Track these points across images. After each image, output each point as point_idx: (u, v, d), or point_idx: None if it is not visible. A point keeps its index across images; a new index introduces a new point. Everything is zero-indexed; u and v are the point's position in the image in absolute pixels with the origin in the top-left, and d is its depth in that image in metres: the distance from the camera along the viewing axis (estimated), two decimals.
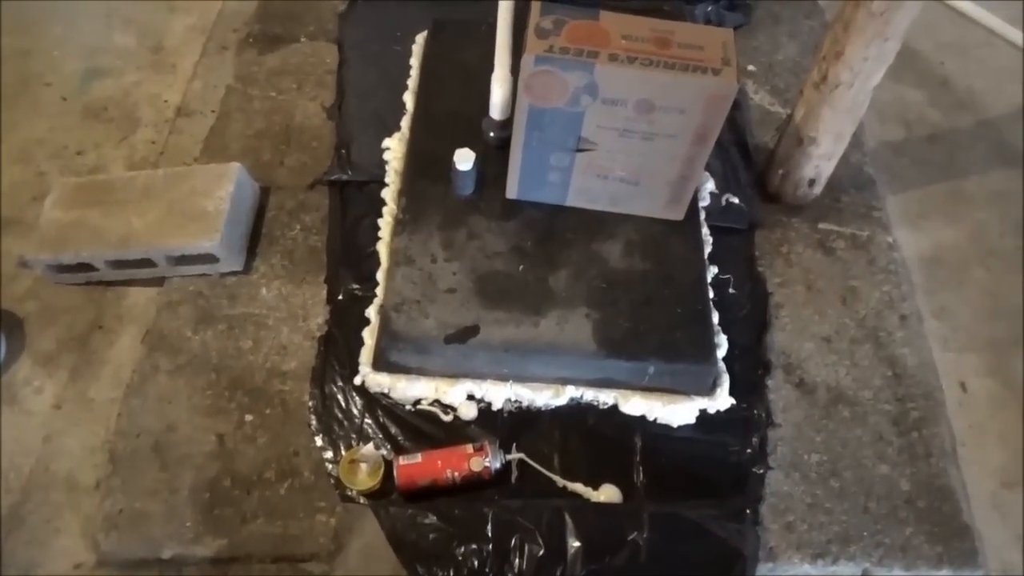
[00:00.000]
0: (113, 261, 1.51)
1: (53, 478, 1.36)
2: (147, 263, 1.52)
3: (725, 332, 1.51)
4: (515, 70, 1.44)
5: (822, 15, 2.16)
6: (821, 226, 1.70)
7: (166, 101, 1.89)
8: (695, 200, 1.55)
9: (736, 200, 1.69)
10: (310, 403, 1.41)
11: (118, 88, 1.92)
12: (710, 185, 1.70)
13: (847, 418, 1.45)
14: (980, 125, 2.01)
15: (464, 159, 1.47)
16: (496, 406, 1.41)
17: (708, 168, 1.62)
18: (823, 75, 1.47)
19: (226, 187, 1.53)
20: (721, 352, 1.48)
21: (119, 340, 1.51)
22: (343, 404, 1.41)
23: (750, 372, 1.49)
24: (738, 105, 1.86)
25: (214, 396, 1.41)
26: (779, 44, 2.07)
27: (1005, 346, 1.62)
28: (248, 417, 1.39)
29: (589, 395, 1.42)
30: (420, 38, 1.94)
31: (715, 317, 1.50)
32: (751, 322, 1.55)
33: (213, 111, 1.84)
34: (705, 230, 1.61)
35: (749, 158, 1.79)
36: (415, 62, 1.89)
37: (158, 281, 1.55)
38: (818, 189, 1.69)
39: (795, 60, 2.02)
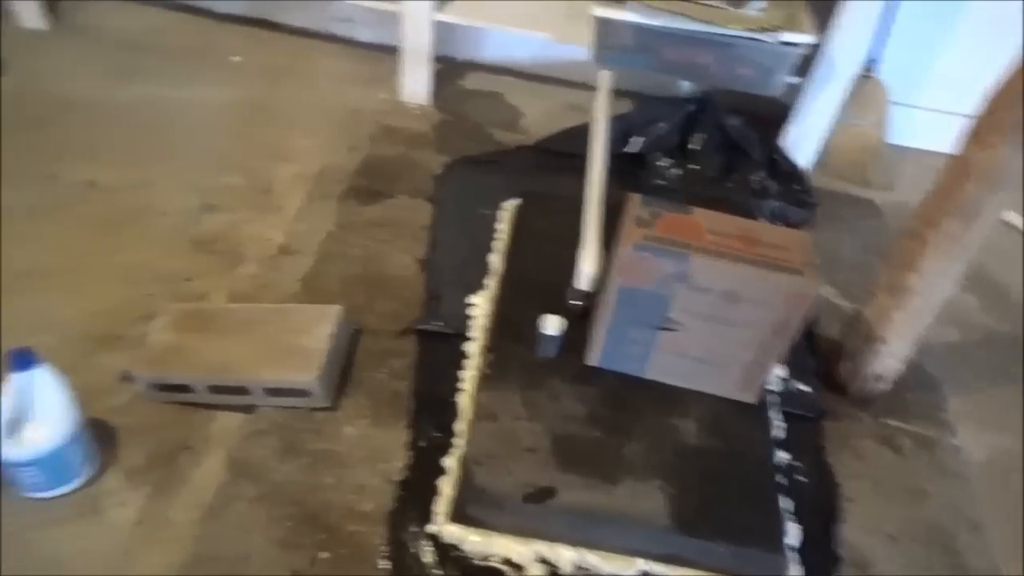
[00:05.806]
0: (211, 386, 1.59)
1: None
2: (241, 391, 1.60)
3: (796, 522, 1.52)
4: (604, 247, 1.57)
5: (880, 214, 2.31)
6: (887, 422, 1.75)
7: (270, 239, 2.05)
8: (765, 384, 1.62)
9: (805, 388, 1.76)
10: (382, 548, 1.43)
11: (228, 224, 2.08)
12: (779, 371, 1.77)
13: None
14: None
15: (553, 325, 1.57)
16: (564, 571, 1.42)
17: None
18: (895, 282, 1.58)
19: (327, 327, 1.63)
20: (794, 541, 1.48)
21: (204, 461, 1.56)
22: (415, 552, 1.43)
23: (820, 566, 1.49)
24: None
25: (291, 529, 1.44)
26: (841, 241, 2.20)
27: None
28: (323, 555, 1.41)
29: (659, 570, 1.43)
30: (508, 204, 2.10)
31: (788, 504, 1.52)
32: (820, 513, 1.57)
33: (313, 253, 1.98)
34: (776, 415, 1.66)
35: (815, 348, 1.86)
36: (502, 226, 2.04)
37: (247, 408, 1.63)
38: (884, 385, 1.75)
39: (857, 256, 2.15)
